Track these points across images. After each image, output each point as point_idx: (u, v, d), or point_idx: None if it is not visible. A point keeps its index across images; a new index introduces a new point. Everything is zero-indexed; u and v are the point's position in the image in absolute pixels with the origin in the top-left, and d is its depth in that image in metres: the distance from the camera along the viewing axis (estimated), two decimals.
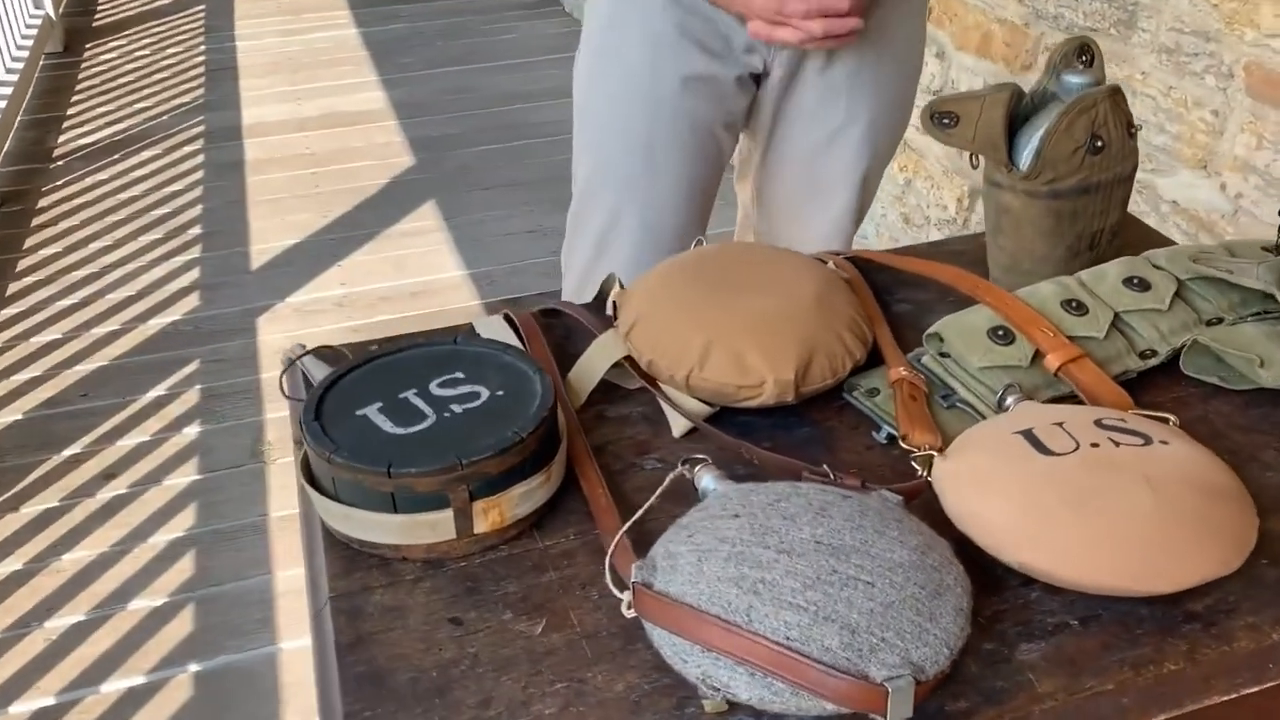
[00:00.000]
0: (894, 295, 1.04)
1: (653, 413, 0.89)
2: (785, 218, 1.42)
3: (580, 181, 1.37)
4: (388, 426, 0.76)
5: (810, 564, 0.63)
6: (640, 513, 0.73)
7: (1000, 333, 0.87)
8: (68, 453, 2.10)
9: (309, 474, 0.77)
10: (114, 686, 1.60)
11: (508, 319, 1.00)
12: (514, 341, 0.96)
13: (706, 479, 0.74)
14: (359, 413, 0.77)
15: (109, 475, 2.04)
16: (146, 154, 3.38)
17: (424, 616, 0.70)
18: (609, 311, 0.97)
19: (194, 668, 1.63)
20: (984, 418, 0.83)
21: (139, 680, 1.61)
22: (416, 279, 2.70)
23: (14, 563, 1.83)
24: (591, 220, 1.36)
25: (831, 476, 0.74)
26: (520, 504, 0.75)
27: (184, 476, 2.04)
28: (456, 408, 0.78)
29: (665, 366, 0.85)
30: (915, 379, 0.86)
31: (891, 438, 0.84)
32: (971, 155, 1.01)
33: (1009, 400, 0.82)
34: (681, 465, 0.76)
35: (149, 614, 1.73)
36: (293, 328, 2.50)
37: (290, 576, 1.79)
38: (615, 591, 0.68)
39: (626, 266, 1.27)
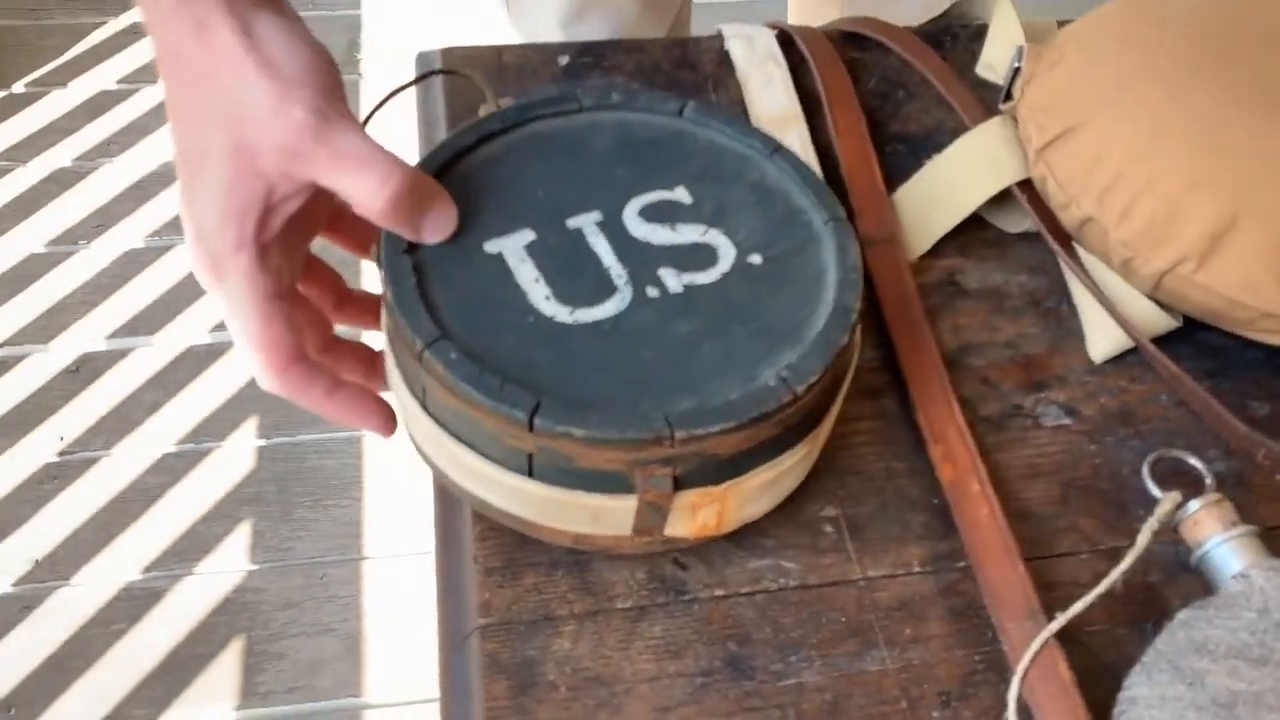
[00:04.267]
0: None
1: (1046, 290, 0.50)
2: None
3: None
4: (541, 298, 0.39)
5: None
6: (1081, 607, 0.37)
7: None
8: None
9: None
10: (169, 337, 1.35)
11: (782, 37, 0.59)
12: (786, 95, 0.55)
13: (1221, 549, 0.38)
14: (490, 247, 0.40)
15: None
16: None
17: (569, 676, 0.37)
18: (988, 74, 0.56)
19: None
20: None
21: (202, 339, 1.35)
22: None
23: (60, 153, 1.51)
24: None
25: None
26: (754, 501, 0.40)
27: None
28: (671, 279, 0.40)
29: (1123, 239, 0.45)
30: None
31: None
32: None
33: None
34: (1159, 489, 0.39)
35: None
36: None
37: None
38: None
39: None
